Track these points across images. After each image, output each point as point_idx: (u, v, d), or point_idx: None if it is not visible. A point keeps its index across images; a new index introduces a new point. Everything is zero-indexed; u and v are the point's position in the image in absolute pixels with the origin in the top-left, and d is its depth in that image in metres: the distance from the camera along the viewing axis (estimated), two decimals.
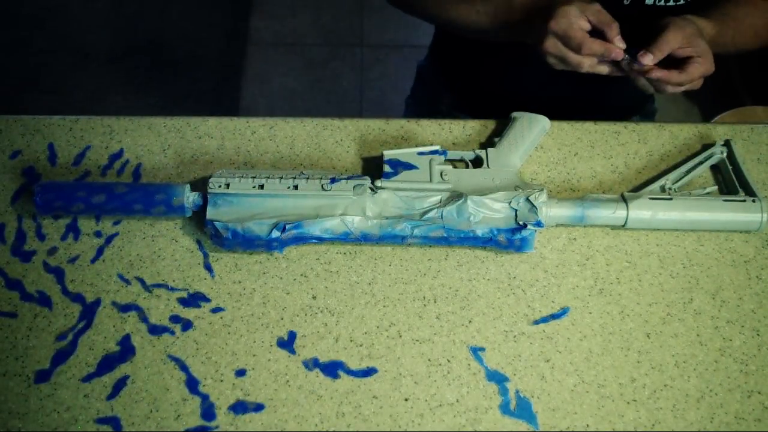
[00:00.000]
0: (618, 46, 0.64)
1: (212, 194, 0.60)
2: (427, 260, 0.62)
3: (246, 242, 0.60)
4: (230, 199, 0.60)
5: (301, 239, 0.61)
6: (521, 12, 0.70)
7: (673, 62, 0.65)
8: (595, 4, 0.65)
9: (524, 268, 0.62)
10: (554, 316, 0.59)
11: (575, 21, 0.63)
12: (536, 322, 0.59)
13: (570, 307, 0.60)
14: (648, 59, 0.63)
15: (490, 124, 0.73)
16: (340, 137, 0.72)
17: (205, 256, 0.62)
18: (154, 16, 2.04)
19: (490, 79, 0.68)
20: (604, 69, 0.66)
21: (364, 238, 0.61)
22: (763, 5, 0.75)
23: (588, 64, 0.65)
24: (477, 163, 0.67)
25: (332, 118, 0.73)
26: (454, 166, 0.65)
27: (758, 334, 0.59)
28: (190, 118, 0.72)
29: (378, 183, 0.61)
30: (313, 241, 0.61)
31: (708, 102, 1.89)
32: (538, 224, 0.60)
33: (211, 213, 0.60)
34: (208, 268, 0.61)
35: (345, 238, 0.61)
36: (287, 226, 0.59)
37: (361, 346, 0.57)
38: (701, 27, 0.67)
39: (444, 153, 0.66)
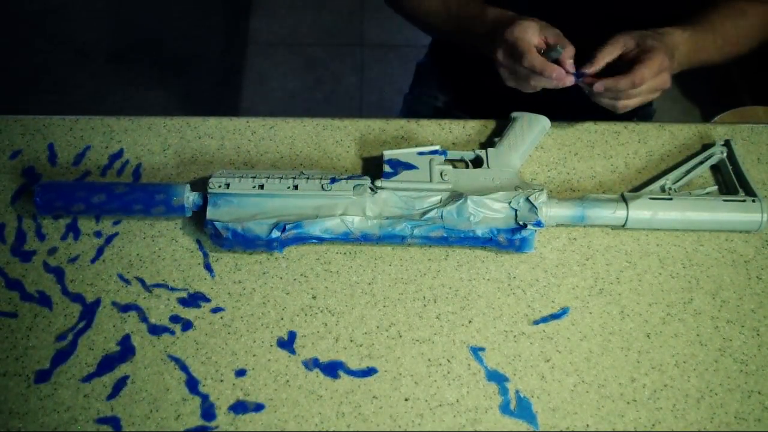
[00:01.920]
0: (567, 70, 0.62)
1: (212, 194, 0.60)
2: (427, 260, 0.62)
3: (246, 242, 0.60)
4: (230, 199, 0.60)
5: (301, 239, 0.61)
6: (491, 23, 0.68)
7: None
8: (555, 29, 0.64)
9: (524, 268, 0.62)
10: (554, 316, 0.59)
11: (529, 34, 0.63)
12: (536, 322, 0.59)
13: (570, 307, 0.60)
14: (587, 68, 0.62)
15: (490, 124, 0.73)
16: (340, 137, 0.72)
17: (205, 255, 0.62)
18: (154, 16, 2.04)
19: (489, 78, 0.68)
20: (550, 84, 0.63)
21: (364, 238, 0.61)
22: (753, 12, 0.73)
23: (533, 83, 0.63)
24: (477, 163, 0.67)
25: (332, 118, 0.73)
26: (454, 166, 0.65)
27: (758, 334, 0.59)
28: (190, 118, 0.72)
29: (378, 183, 0.61)
30: (313, 241, 0.61)
31: (708, 102, 1.89)
32: (538, 224, 0.60)
33: (211, 213, 0.60)
34: (208, 267, 0.61)
35: (345, 238, 0.61)
36: (287, 226, 0.59)
37: (361, 346, 0.57)
38: (669, 38, 0.65)
39: (444, 153, 0.66)
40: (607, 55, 0.63)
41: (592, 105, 0.66)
